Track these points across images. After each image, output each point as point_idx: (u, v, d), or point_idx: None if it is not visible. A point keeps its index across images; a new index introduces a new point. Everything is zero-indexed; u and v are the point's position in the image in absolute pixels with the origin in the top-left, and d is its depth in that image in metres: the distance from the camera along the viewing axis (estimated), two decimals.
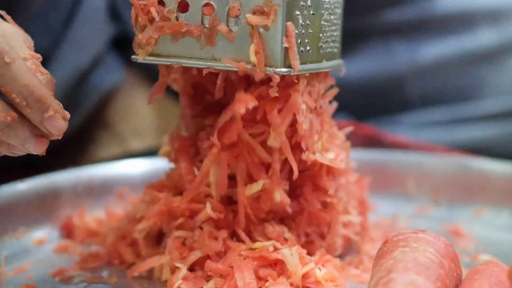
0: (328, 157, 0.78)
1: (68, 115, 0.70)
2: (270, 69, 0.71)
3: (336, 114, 0.82)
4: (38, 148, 0.70)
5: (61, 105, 0.70)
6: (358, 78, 1.27)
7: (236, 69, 0.71)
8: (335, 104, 0.81)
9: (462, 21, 1.28)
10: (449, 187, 1.00)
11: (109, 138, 1.24)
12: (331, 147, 0.79)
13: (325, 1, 0.75)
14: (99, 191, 0.95)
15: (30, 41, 0.74)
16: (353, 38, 1.22)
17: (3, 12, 0.74)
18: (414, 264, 0.64)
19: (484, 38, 1.28)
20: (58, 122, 0.69)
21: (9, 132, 0.69)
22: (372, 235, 0.87)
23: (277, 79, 0.71)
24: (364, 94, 1.28)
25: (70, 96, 1.13)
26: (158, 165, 0.92)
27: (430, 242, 0.68)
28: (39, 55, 0.72)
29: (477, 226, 0.94)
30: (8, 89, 0.68)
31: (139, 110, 1.26)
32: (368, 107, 1.28)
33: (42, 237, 0.88)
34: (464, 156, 1.09)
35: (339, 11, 0.79)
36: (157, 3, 0.73)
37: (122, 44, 1.24)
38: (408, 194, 1.01)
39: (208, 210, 0.76)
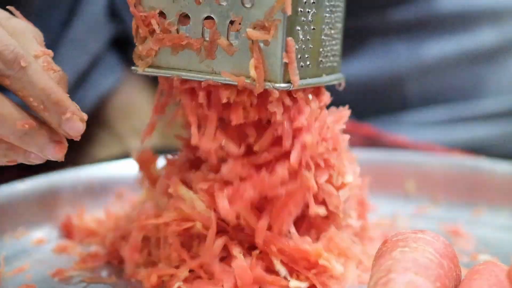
0: (347, 182, 0.78)
1: (85, 116, 0.71)
2: (269, 84, 0.70)
3: None
4: (57, 154, 0.70)
5: (78, 107, 0.70)
6: (358, 78, 1.27)
7: (236, 83, 0.71)
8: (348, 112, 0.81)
9: (462, 21, 1.28)
10: (448, 187, 1.00)
11: (109, 138, 1.24)
12: (346, 165, 0.79)
13: (325, 16, 0.75)
14: (98, 191, 0.95)
15: (40, 36, 0.74)
16: (353, 38, 1.22)
17: (11, 8, 0.74)
18: (414, 264, 0.64)
19: (484, 38, 1.28)
20: (76, 124, 0.70)
21: (27, 140, 0.69)
22: (371, 235, 0.87)
23: (276, 94, 0.71)
24: (364, 94, 1.28)
25: (69, 96, 1.13)
26: (157, 165, 0.92)
27: (430, 242, 0.68)
28: (50, 51, 0.72)
29: (477, 226, 0.94)
30: (25, 93, 0.68)
31: (138, 110, 1.26)
32: (368, 107, 1.28)
33: (42, 237, 0.88)
34: (464, 156, 1.09)
35: (339, 25, 0.78)
36: (158, 15, 0.73)
37: (121, 44, 1.24)
38: (407, 194, 1.01)
39: (198, 226, 0.76)
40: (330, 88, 0.81)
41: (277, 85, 0.70)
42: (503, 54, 1.30)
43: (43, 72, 0.69)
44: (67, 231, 0.89)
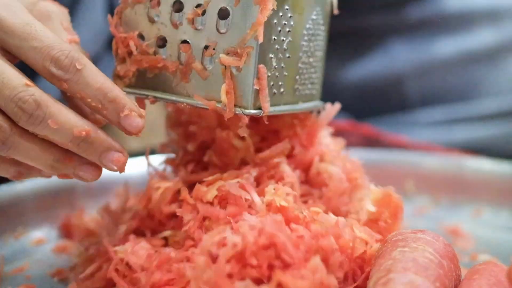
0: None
1: (143, 112, 0.70)
2: (239, 109, 0.70)
3: (336, 114, 0.81)
4: (115, 163, 0.69)
5: (136, 103, 0.70)
6: (358, 78, 1.27)
7: (207, 107, 0.71)
8: (337, 106, 0.80)
9: (461, 21, 1.28)
10: (448, 187, 1.00)
11: None
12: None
13: (303, 44, 0.75)
14: (98, 191, 0.95)
15: (66, 18, 0.73)
16: (353, 38, 1.22)
17: None
18: (413, 264, 0.64)
19: (483, 38, 1.28)
20: (134, 121, 0.69)
21: (85, 146, 0.68)
22: None
23: (245, 119, 0.71)
24: (364, 94, 1.28)
25: None
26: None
27: (429, 242, 0.68)
28: (76, 38, 0.72)
29: (476, 226, 0.94)
30: (83, 95, 0.68)
31: None
32: (368, 107, 1.28)
33: (41, 237, 0.88)
34: (463, 156, 1.09)
35: (319, 53, 0.78)
36: (136, 36, 0.73)
37: None
38: (407, 194, 1.01)
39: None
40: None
41: (247, 111, 0.70)
42: (502, 54, 1.30)
43: (98, 71, 0.68)
44: (67, 231, 0.89)
